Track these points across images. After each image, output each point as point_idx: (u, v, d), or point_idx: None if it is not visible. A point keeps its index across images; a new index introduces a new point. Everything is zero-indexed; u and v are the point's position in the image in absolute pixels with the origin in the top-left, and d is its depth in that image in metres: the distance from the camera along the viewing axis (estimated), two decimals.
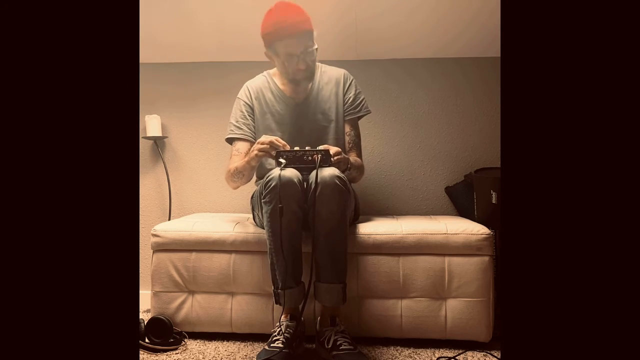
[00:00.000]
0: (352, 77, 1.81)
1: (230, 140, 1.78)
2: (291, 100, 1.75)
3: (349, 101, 1.78)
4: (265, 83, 1.79)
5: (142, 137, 2.24)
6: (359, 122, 1.84)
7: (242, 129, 1.76)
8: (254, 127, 1.77)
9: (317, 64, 1.78)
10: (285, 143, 1.51)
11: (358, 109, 1.79)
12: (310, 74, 1.68)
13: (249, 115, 1.77)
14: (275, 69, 1.76)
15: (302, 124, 1.73)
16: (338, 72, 1.80)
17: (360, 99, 1.80)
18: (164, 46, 2.20)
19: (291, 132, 1.72)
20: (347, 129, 1.79)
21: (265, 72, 1.83)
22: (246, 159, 1.61)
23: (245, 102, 1.78)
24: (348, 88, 1.79)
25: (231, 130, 1.77)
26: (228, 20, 2.07)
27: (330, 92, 1.77)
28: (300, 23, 1.58)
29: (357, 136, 1.81)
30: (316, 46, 1.63)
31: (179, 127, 2.29)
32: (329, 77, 1.79)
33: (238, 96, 1.80)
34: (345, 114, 1.78)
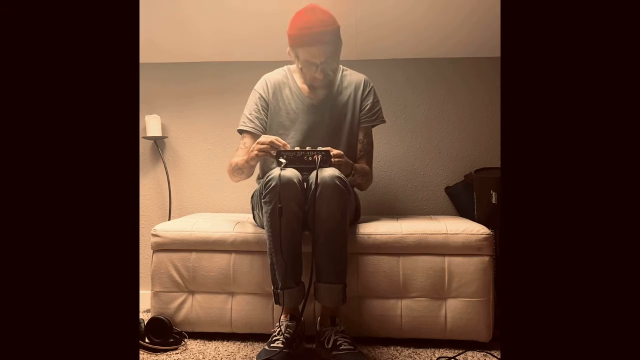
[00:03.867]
0: (371, 84, 1.79)
1: (241, 131, 1.76)
2: (308, 101, 1.73)
3: (366, 108, 1.76)
4: (285, 79, 1.77)
5: (142, 137, 2.24)
6: None
7: (254, 122, 1.73)
8: (267, 123, 1.75)
9: (340, 66, 1.76)
10: (285, 143, 1.51)
11: (374, 117, 1.78)
12: (328, 82, 1.66)
13: (263, 110, 1.75)
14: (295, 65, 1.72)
15: (316, 125, 1.72)
16: (358, 78, 1.78)
17: (377, 108, 1.79)
18: (164, 46, 2.20)
19: (303, 132, 1.71)
20: (361, 136, 1.77)
21: (285, 67, 1.80)
22: (245, 157, 1.61)
23: (261, 96, 1.75)
24: (367, 95, 1.77)
25: (243, 122, 1.75)
26: (228, 20, 2.07)
27: (349, 97, 1.75)
28: (326, 33, 1.55)
29: (370, 144, 1.80)
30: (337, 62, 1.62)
31: (179, 127, 2.29)
32: (349, 81, 1.77)
33: (255, 88, 1.78)
34: (361, 121, 1.76)
